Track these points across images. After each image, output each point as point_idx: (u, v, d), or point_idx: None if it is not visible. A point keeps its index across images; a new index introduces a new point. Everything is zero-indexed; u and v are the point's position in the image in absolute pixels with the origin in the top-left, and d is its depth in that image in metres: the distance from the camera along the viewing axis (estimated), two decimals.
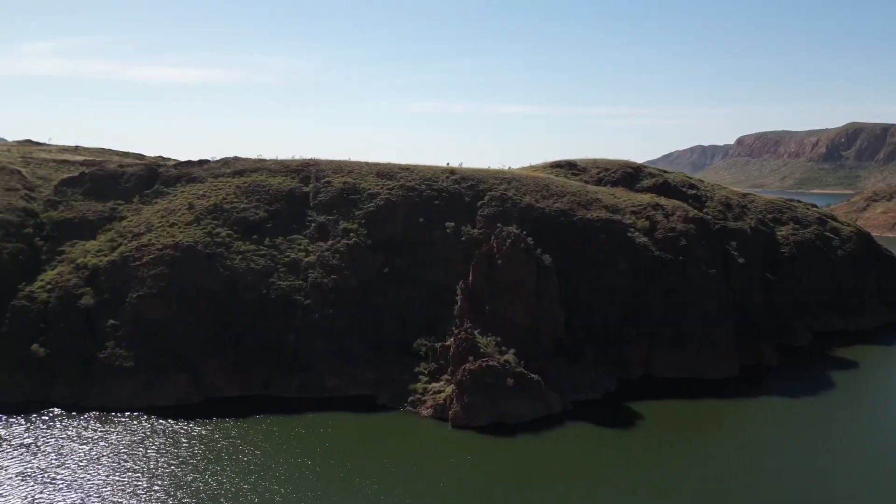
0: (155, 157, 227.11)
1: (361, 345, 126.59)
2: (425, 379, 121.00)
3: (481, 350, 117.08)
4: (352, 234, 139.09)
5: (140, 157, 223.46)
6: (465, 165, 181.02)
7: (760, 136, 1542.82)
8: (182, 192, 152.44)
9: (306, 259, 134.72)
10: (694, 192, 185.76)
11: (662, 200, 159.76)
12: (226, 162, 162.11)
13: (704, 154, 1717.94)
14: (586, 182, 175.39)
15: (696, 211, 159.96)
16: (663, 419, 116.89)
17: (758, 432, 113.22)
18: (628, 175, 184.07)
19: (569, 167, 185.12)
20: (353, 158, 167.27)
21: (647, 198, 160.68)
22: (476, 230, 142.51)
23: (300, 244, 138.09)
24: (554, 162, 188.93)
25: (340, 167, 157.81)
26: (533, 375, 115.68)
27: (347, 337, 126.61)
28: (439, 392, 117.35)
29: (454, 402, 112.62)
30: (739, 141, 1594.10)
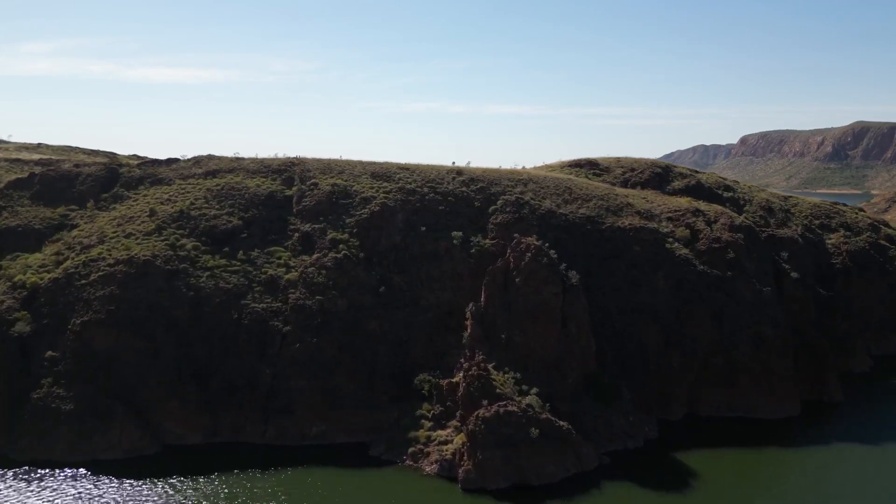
0: (129, 156, 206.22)
1: (351, 382, 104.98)
2: (429, 425, 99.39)
3: (497, 390, 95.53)
4: (341, 245, 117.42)
5: (111, 155, 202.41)
6: (472, 165, 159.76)
7: (764, 136, 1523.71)
8: (145, 195, 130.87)
9: (287, 276, 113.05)
10: (730, 194, 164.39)
11: (702, 205, 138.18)
12: (197, 161, 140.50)
13: (707, 154, 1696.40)
14: (611, 184, 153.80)
15: (741, 217, 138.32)
16: (717, 473, 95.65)
17: (829, 488, 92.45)
18: (657, 175, 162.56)
19: (590, 167, 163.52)
20: (345, 157, 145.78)
21: (683, 202, 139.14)
22: (488, 241, 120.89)
23: (280, 258, 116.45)
24: (573, 161, 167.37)
25: (329, 167, 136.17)
26: (561, 423, 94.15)
27: (334, 372, 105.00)
28: (446, 443, 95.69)
29: (465, 457, 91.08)
30: (743, 140, 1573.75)
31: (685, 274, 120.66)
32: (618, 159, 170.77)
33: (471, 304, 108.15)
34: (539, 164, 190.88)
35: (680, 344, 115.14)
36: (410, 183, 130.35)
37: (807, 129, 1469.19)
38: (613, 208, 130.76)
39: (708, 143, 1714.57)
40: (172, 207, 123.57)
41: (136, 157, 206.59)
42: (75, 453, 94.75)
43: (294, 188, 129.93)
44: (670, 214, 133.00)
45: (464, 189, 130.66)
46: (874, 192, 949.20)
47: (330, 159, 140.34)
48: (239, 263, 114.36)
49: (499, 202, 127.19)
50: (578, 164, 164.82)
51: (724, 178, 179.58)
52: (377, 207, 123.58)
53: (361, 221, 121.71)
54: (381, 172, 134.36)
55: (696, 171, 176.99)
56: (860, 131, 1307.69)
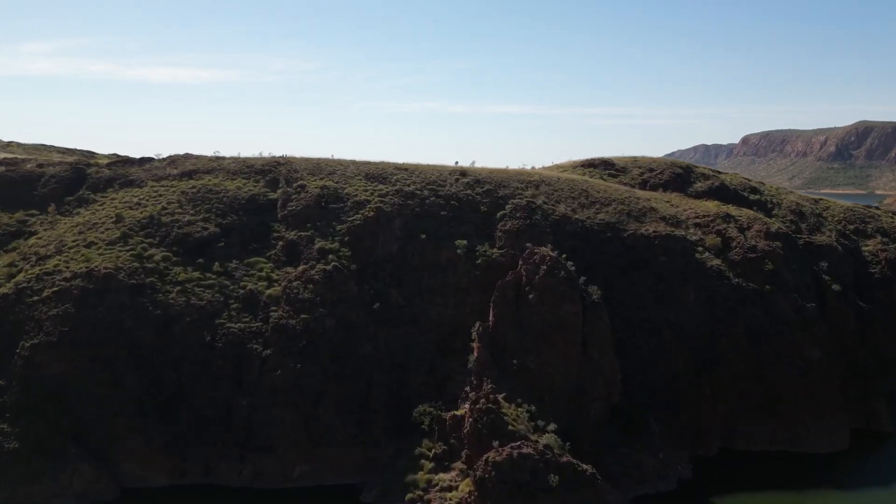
0: (108, 156, 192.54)
1: (341, 414, 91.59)
2: (430, 466, 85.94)
3: (509, 427, 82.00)
4: (331, 255, 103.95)
5: (88, 154, 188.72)
6: (477, 165, 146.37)
7: (766, 135, 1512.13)
8: (113, 199, 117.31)
9: (268, 291, 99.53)
10: (756, 196, 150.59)
11: (732, 209, 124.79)
12: (173, 161, 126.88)
13: (708, 153, 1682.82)
14: (628, 185, 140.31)
15: (777, 224, 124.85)
16: None
17: None
18: (677, 176, 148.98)
19: (605, 167, 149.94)
20: (339, 156, 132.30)
21: (711, 206, 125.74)
22: (496, 250, 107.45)
23: (261, 270, 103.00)
24: (585, 160, 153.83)
25: (319, 167, 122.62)
26: (585, 467, 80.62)
27: (322, 403, 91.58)
28: (450, 489, 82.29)
29: None
30: (744, 140, 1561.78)
31: (717, 287, 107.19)
32: (634, 159, 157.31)
33: (477, 324, 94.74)
34: (545, 164, 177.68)
35: (713, 368, 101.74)
36: (409, 185, 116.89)
37: (809, 128, 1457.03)
38: (635, 213, 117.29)
39: (709, 143, 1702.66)
40: (141, 212, 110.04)
41: (115, 156, 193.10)
42: (20, 498, 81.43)
43: (279, 191, 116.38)
44: (698, 220, 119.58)
45: (468, 192, 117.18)
46: (878, 192, 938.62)
47: (319, 159, 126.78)
48: (214, 276, 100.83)
49: (507, 207, 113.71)
50: (592, 164, 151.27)
51: (749, 179, 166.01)
52: (371, 212, 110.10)
53: (354, 228, 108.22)
54: (377, 173, 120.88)
55: (719, 172, 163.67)
56: (864, 131, 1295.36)
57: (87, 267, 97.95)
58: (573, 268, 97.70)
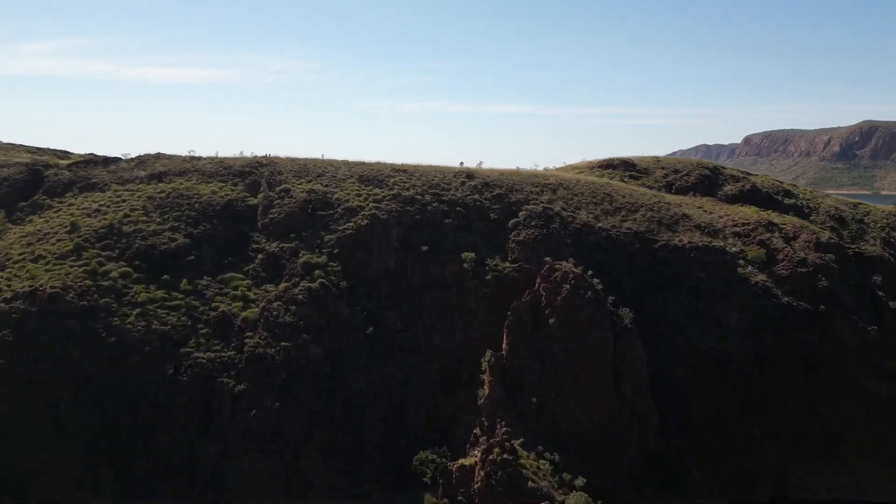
0: (84, 156, 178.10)
1: (328, 463, 77.21)
2: None
3: (529, 483, 67.83)
4: (317, 271, 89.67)
5: (62, 154, 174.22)
6: (484, 165, 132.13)
7: (769, 135, 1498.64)
8: (71, 204, 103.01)
9: (244, 314, 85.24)
10: (791, 200, 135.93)
11: (774, 216, 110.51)
12: (141, 161, 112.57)
13: (709, 153, 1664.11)
14: (652, 188, 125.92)
15: (828, 233, 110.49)
16: None
17: None
18: (704, 178, 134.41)
19: (625, 167, 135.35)
20: (337, 157, 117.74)
21: (749, 212, 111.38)
22: (509, 264, 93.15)
23: (237, 288, 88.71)
24: (603, 161, 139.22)
25: (306, 168, 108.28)
26: None
27: (304, 449, 77.23)
28: None
29: None
30: (747, 140, 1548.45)
31: (765, 308, 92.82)
32: (656, 159, 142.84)
33: (488, 354, 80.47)
34: (549, 164, 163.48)
35: (762, 404, 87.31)
36: (408, 189, 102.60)
37: (812, 128, 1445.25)
38: (666, 221, 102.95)
39: (710, 143, 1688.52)
40: (100, 220, 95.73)
41: (92, 155, 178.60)
42: None
43: (260, 195, 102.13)
44: (737, 229, 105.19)
45: (476, 196, 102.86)
46: (884, 192, 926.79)
47: (307, 159, 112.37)
48: (181, 296, 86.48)
49: (521, 214, 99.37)
50: (611, 165, 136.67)
51: (780, 181, 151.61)
52: (365, 221, 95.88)
53: (345, 239, 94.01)
54: (372, 176, 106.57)
55: (748, 174, 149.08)
56: (868, 130, 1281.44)
57: (30, 286, 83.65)
58: (600, 286, 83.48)
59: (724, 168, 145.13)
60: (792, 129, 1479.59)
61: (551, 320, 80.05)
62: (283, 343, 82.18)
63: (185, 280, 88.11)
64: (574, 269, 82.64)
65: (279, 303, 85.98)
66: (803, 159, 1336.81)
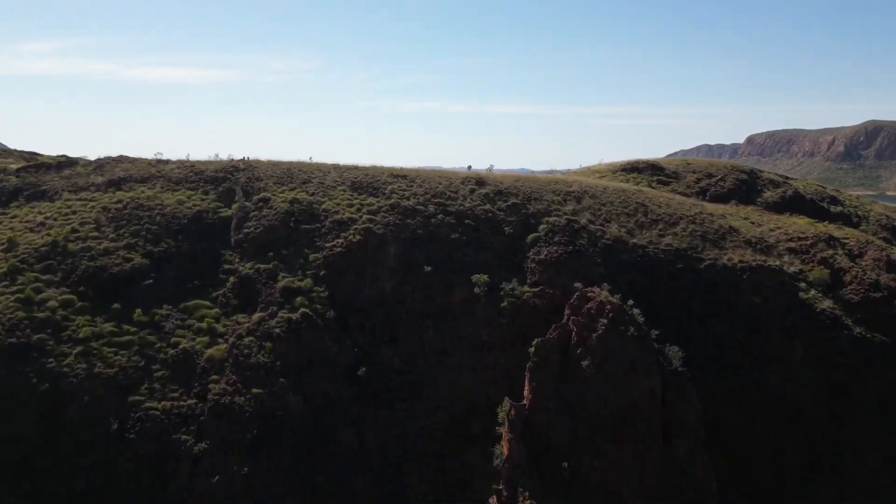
0: (57, 157, 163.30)
1: None
2: None
3: None
4: (299, 298, 74.68)
5: (30, 156, 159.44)
6: (487, 166, 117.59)
7: (772, 135, 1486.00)
8: (13, 217, 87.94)
9: (209, 352, 70.25)
10: (839, 208, 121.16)
11: (833, 229, 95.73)
12: (100, 165, 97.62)
13: (711, 153, 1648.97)
14: (685, 195, 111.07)
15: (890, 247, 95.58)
16: None
17: None
18: (742, 183, 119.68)
19: (652, 171, 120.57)
20: (319, 159, 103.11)
21: (803, 224, 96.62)
22: (528, 288, 78.12)
23: (202, 319, 73.75)
24: (627, 164, 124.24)
25: (289, 173, 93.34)
26: None
27: None
28: None
29: None
30: (749, 140, 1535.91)
31: (834, 341, 77.80)
32: (686, 161, 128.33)
33: (507, 404, 65.42)
34: (558, 167, 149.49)
35: (837, 461, 72.30)
36: (408, 198, 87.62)
37: (815, 128, 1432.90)
38: (712, 235, 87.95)
39: (712, 143, 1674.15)
40: (43, 237, 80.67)
41: (64, 157, 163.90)
42: None
43: (234, 206, 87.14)
44: (792, 244, 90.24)
45: (487, 207, 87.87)
46: (889, 192, 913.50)
47: (291, 162, 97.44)
48: (134, 330, 71.49)
49: (541, 227, 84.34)
50: (636, 168, 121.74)
51: (823, 186, 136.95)
52: (358, 236, 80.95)
53: (333, 258, 79.07)
54: (366, 182, 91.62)
55: (787, 178, 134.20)
56: (873, 130, 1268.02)
57: None
58: (642, 319, 68.50)
59: (760, 171, 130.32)
60: (795, 129, 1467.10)
61: (584, 363, 65.02)
62: (254, 389, 67.10)
63: (139, 310, 73.04)
64: (612, 299, 67.62)
65: (251, 338, 70.90)
66: (807, 160, 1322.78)
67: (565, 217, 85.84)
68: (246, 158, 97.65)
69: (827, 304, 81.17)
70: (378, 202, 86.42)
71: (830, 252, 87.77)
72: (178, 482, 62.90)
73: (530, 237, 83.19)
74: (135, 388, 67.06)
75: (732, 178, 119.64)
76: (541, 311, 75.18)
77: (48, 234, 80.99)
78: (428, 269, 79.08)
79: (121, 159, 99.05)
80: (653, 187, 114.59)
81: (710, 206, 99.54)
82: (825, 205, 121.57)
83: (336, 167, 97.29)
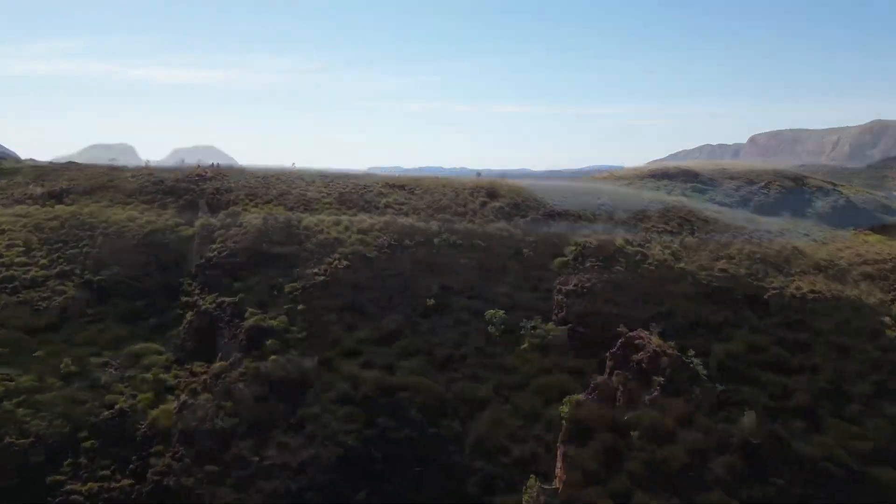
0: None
1: None
2: None
3: None
4: (271, 340, 59.85)
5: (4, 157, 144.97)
6: (488, 167, 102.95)
7: (776, 135, 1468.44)
8: None
9: (153, 413, 55.35)
10: (893, 218, 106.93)
11: None
12: (42, 174, 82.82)
13: (713, 154, 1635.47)
14: (725, 205, 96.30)
15: None
16: None
17: None
18: (788, 192, 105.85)
19: (685, 178, 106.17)
20: (327, 164, 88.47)
21: (875, 242, 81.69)
22: (555, 326, 63.24)
23: (149, 369, 58.89)
24: (656, 169, 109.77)
25: (266, 183, 78.62)
26: None
27: None
28: None
29: None
30: (753, 140, 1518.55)
31: None
32: (721, 167, 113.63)
33: (533, 483, 50.44)
34: (554, 165, 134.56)
35: None
36: (407, 213, 72.88)
37: (819, 127, 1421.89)
38: (773, 258, 73.03)
39: (714, 143, 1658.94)
40: None
41: (31, 161, 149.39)
42: None
43: (197, 223, 72.33)
44: (867, 268, 75.33)
45: (502, 224, 72.99)
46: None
47: (268, 169, 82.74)
48: (60, 385, 56.64)
49: (569, 249, 69.56)
50: (667, 175, 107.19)
51: (871, 192, 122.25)
52: (345, 261, 66.13)
53: (313, 288, 64.28)
54: (356, 194, 76.89)
55: (834, 184, 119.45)
56: (879, 130, 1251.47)
57: None
58: (705, 373, 53.62)
59: (806, 177, 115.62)
60: (800, 129, 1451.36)
61: (634, 433, 50.08)
62: (208, 467, 52.15)
63: (67, 359, 58.18)
64: (668, 349, 52.67)
65: (208, 395, 56.01)
66: (812, 160, 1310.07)
67: (597, 235, 70.92)
68: (215, 165, 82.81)
69: None
70: (370, 219, 71.57)
71: None
72: None
73: (557, 262, 68.34)
74: (55, 465, 52.10)
75: (778, 186, 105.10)
76: (570, 354, 60.56)
77: None
78: (432, 302, 64.41)
79: (68, 166, 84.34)
80: (687, 196, 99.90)
81: (762, 221, 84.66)
82: (879, 214, 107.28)
83: (322, 175, 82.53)
